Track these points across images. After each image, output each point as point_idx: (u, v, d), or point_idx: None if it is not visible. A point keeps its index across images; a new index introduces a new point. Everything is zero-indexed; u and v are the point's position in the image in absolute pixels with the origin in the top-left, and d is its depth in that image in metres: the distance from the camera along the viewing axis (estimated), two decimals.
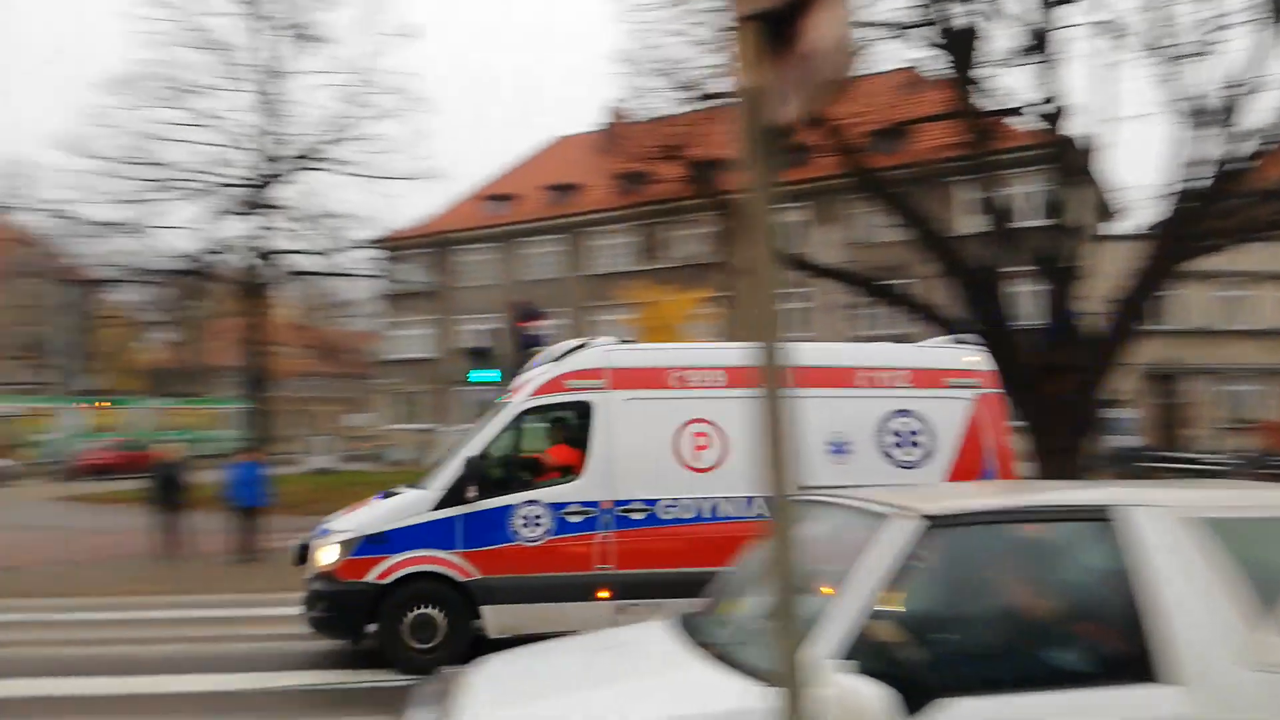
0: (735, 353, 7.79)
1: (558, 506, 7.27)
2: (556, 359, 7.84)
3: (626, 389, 7.51)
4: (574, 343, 8.07)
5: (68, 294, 31.07)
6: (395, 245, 30.45)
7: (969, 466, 7.68)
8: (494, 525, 7.22)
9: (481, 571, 7.16)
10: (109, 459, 34.84)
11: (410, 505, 7.40)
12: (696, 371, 7.64)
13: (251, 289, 22.98)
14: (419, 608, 7.10)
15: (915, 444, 7.68)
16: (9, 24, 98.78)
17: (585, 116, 76.07)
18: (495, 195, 38.24)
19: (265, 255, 22.77)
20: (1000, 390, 8.12)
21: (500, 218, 36.83)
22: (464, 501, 7.24)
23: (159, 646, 7.87)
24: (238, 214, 22.58)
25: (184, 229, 22.93)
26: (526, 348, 12.91)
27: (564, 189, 36.15)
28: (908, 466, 7.60)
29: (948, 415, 7.78)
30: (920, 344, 8.81)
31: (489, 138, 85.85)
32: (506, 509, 7.24)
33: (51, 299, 39.42)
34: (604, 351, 7.75)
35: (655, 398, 7.53)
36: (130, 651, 7.82)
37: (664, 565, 7.15)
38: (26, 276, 45.10)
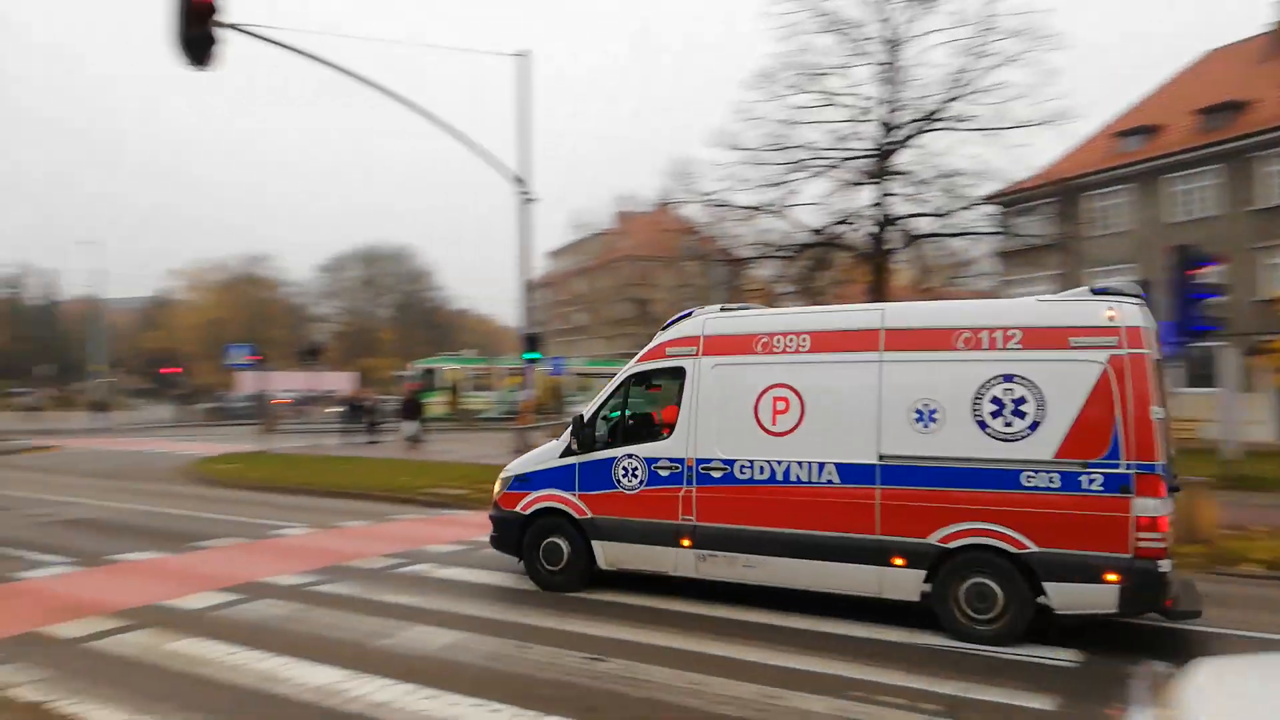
0: (825, 316, 8.00)
1: (651, 461, 8.24)
2: (665, 327, 8.61)
3: (714, 355, 8.10)
4: (683, 312, 8.69)
5: (721, 272, 35.98)
6: (1015, 198, 28.83)
7: (1087, 441, 6.57)
8: (601, 473, 8.49)
9: (592, 511, 8.51)
10: None
11: (548, 453, 9.00)
12: (782, 337, 7.79)
13: (873, 255, 23.92)
14: (551, 537, 8.66)
15: (1020, 413, 6.76)
16: (687, 58, 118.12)
17: (1246, 22, 62.89)
18: (1131, 129, 33.75)
19: (886, 222, 23.47)
20: (1148, 351, 6.58)
21: (1137, 154, 32.39)
22: (575, 453, 8.62)
23: None
24: (861, 185, 23.66)
25: (813, 205, 24.77)
26: (1194, 299, 11.04)
27: (1222, 109, 30.30)
28: (1007, 439, 6.80)
29: (1067, 380, 6.66)
30: (1047, 296, 7.32)
31: (1119, 65, 76.05)
32: (610, 460, 8.46)
33: (709, 278, 46.10)
34: (701, 319, 8.36)
35: (739, 363, 7.95)
36: None
37: (737, 522, 7.78)
38: (691, 260, 53.47)
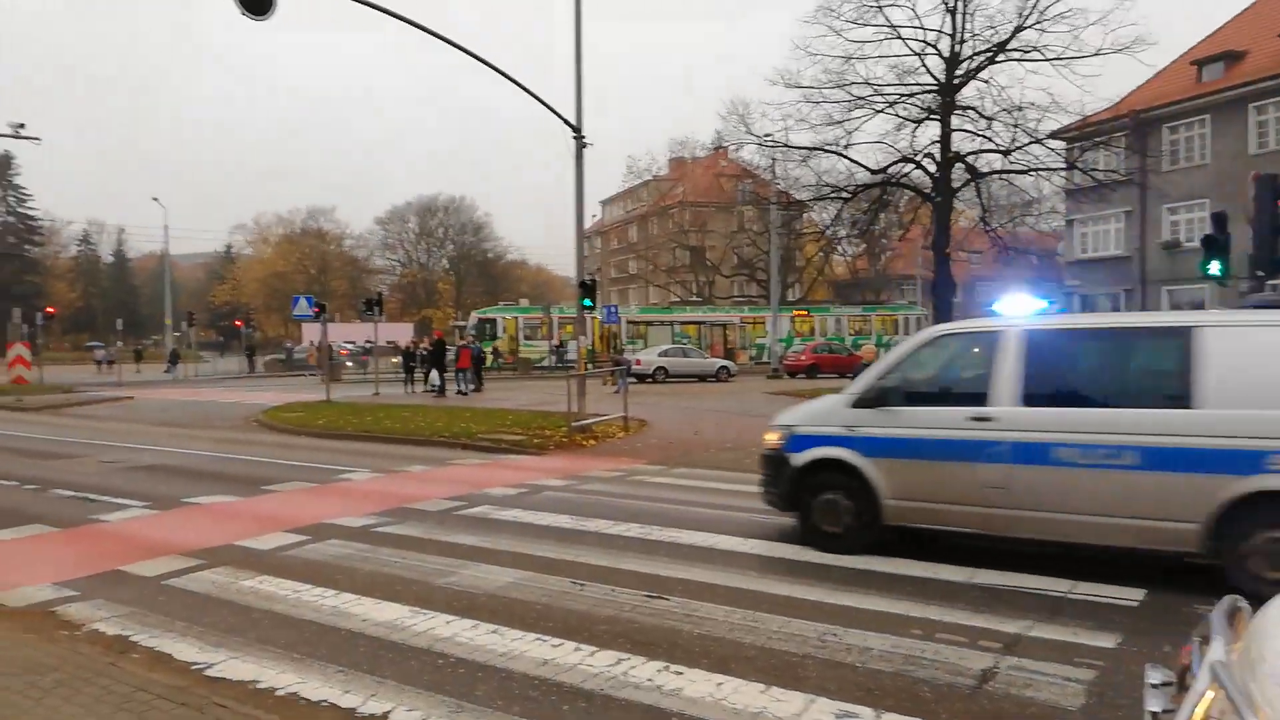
0: None
1: None
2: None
3: None
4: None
5: (776, 216, 35.39)
6: (1087, 131, 27.69)
7: None
8: None
9: None
10: (808, 360, 39.62)
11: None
12: None
13: (935, 195, 23.25)
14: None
15: None
16: None
17: None
18: (1212, 56, 32.07)
19: (950, 160, 22.75)
20: None
21: (1217, 83, 30.81)
22: None
23: None
24: (924, 121, 22.93)
25: (874, 144, 24.14)
26: None
27: None
28: None
29: None
30: None
31: None
32: None
33: (763, 222, 45.36)
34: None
35: None
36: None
37: None
38: (745, 205, 52.58)
